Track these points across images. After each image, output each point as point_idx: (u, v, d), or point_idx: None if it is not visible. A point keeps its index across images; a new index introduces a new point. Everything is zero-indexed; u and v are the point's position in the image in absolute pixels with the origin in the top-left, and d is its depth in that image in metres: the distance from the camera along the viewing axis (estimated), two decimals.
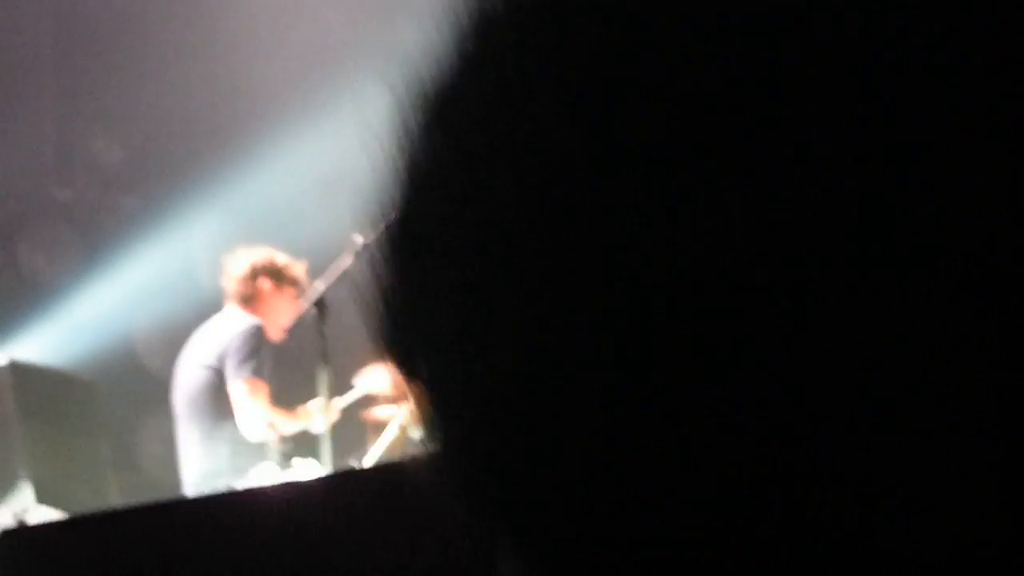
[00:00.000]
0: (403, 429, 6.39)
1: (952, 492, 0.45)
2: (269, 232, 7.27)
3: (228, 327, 6.67)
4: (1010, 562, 0.44)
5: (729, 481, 0.47)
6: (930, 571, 0.45)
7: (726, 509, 0.47)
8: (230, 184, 8.69)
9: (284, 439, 6.39)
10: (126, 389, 8.31)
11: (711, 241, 0.47)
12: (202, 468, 6.52)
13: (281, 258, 6.78)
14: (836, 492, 0.45)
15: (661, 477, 0.47)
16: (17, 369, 6.74)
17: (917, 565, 0.45)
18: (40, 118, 9.33)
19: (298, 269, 6.78)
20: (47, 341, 8.52)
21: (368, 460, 6.12)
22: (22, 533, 2.65)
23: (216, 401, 6.58)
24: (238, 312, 6.72)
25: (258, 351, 6.58)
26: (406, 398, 0.56)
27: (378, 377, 6.54)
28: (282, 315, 6.68)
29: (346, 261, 6.03)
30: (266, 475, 6.16)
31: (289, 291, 6.74)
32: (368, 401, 6.74)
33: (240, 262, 6.76)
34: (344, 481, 3.42)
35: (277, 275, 6.74)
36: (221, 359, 6.57)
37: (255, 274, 6.73)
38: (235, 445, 6.49)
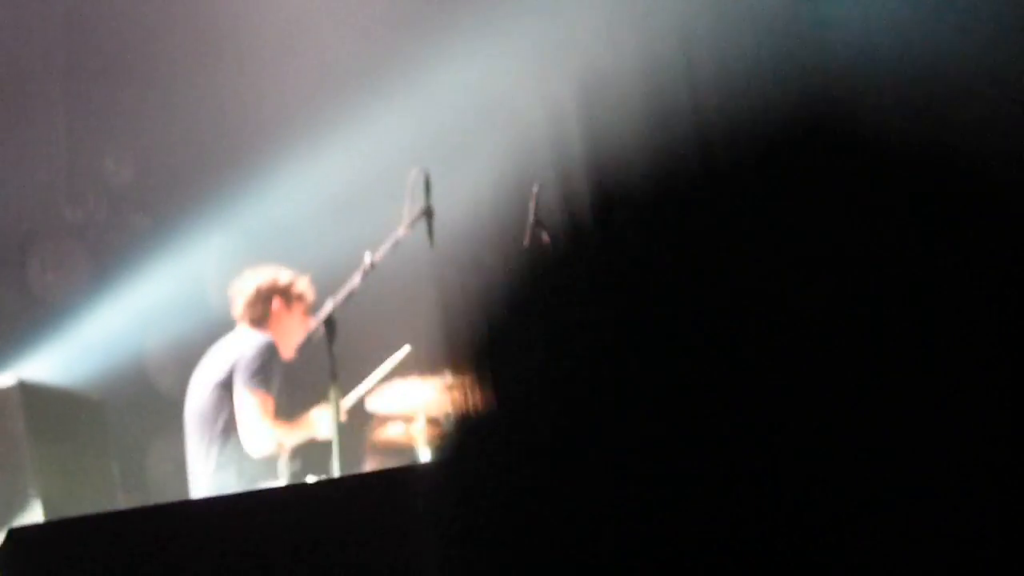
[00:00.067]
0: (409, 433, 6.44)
1: None
2: (279, 251, 7.29)
3: (240, 345, 6.68)
4: None
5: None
6: None
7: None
8: (240, 203, 8.70)
9: (293, 455, 6.39)
10: (136, 409, 8.31)
11: None
12: (212, 487, 6.52)
13: (289, 276, 6.80)
14: None
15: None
16: (27, 389, 6.75)
17: None
18: (51, 138, 9.35)
19: (306, 286, 6.79)
20: (57, 360, 8.52)
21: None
22: (27, 532, 2.65)
23: (227, 420, 6.58)
24: (250, 332, 6.73)
25: (269, 366, 6.58)
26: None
27: (387, 397, 6.55)
28: (294, 333, 6.69)
29: (355, 280, 6.03)
30: None
31: (299, 308, 6.75)
32: (378, 421, 6.74)
33: (249, 283, 6.77)
34: (344, 484, 3.41)
35: (287, 294, 6.75)
36: (231, 374, 6.58)
37: (266, 294, 6.74)
38: (245, 464, 6.49)
